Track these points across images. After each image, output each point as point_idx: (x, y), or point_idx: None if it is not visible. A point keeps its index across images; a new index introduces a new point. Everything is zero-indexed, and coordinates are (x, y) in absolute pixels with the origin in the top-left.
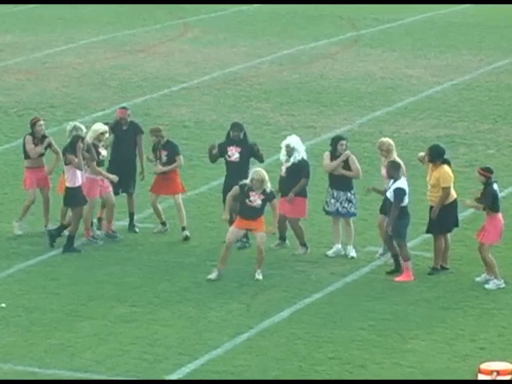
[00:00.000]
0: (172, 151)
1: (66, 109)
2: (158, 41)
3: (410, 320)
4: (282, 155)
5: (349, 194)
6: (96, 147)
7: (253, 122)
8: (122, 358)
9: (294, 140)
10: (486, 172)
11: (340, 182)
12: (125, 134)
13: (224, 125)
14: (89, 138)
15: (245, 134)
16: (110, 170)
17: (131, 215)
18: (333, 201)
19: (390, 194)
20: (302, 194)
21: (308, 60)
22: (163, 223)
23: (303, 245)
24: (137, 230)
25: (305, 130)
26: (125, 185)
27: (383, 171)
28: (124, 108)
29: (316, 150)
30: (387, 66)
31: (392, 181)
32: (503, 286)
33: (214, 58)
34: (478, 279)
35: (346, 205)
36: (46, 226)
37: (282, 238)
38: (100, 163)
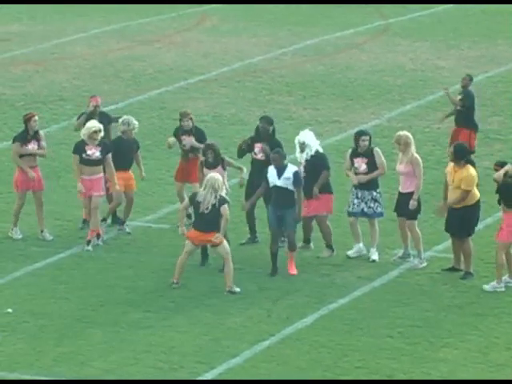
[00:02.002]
0: (199, 137)
1: (77, 102)
2: (173, 30)
3: (441, 327)
4: (298, 153)
5: (374, 193)
6: (85, 145)
7: (274, 117)
8: (135, 366)
9: (304, 135)
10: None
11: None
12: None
13: (244, 119)
14: (82, 136)
15: (274, 130)
16: None
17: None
18: (356, 201)
19: (285, 182)
20: (328, 189)
21: (333, 51)
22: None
23: (329, 247)
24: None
25: (330, 125)
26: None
27: (398, 167)
28: (95, 95)
29: (342, 146)
30: (418, 57)
31: (276, 170)
32: (503, 289)
33: (233, 48)
34: (485, 287)
35: (371, 204)
36: (42, 232)
37: (307, 241)
38: (88, 163)
